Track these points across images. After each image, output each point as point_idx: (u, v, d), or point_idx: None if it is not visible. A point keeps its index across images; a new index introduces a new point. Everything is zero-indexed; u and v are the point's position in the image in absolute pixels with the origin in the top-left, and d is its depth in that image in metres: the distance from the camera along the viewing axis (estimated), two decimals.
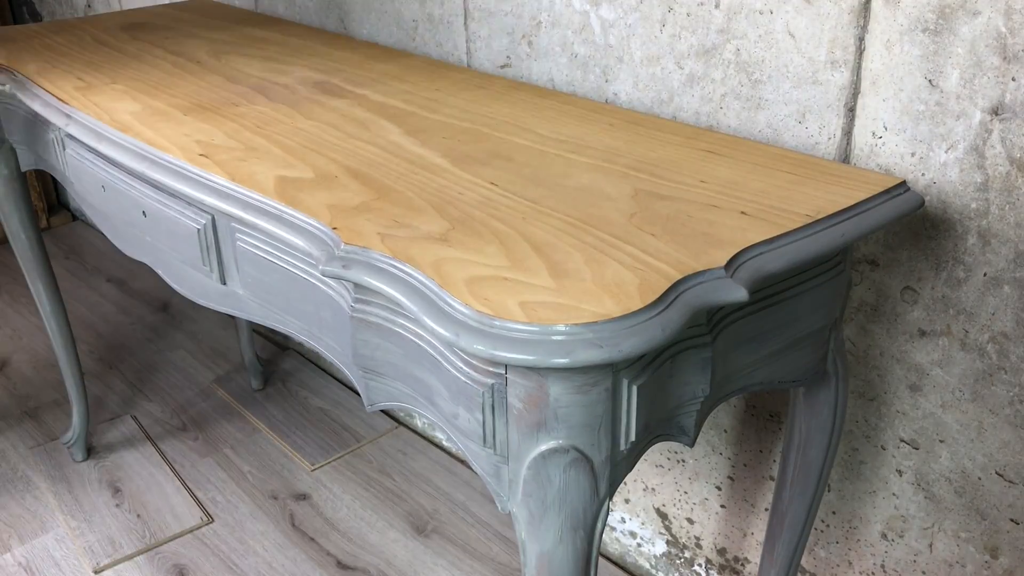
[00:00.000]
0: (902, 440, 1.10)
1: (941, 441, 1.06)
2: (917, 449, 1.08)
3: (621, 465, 0.74)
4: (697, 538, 1.42)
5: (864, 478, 1.15)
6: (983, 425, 1.01)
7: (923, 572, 1.13)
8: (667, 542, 1.48)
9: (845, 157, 1.02)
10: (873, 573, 1.19)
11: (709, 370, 0.77)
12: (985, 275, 0.96)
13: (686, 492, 1.41)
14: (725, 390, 0.85)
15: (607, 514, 0.74)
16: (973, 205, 0.94)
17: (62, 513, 1.72)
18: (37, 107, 1.22)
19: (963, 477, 1.05)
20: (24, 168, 1.46)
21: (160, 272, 1.13)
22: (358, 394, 2.08)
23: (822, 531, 1.23)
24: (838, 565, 1.23)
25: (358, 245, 0.77)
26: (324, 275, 0.77)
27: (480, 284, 0.70)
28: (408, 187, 0.89)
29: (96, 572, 1.58)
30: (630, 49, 1.19)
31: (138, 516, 1.71)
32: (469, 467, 1.85)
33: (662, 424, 0.78)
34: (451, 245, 0.77)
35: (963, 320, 0.99)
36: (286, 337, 2.31)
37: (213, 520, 1.70)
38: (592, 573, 0.77)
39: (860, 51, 0.97)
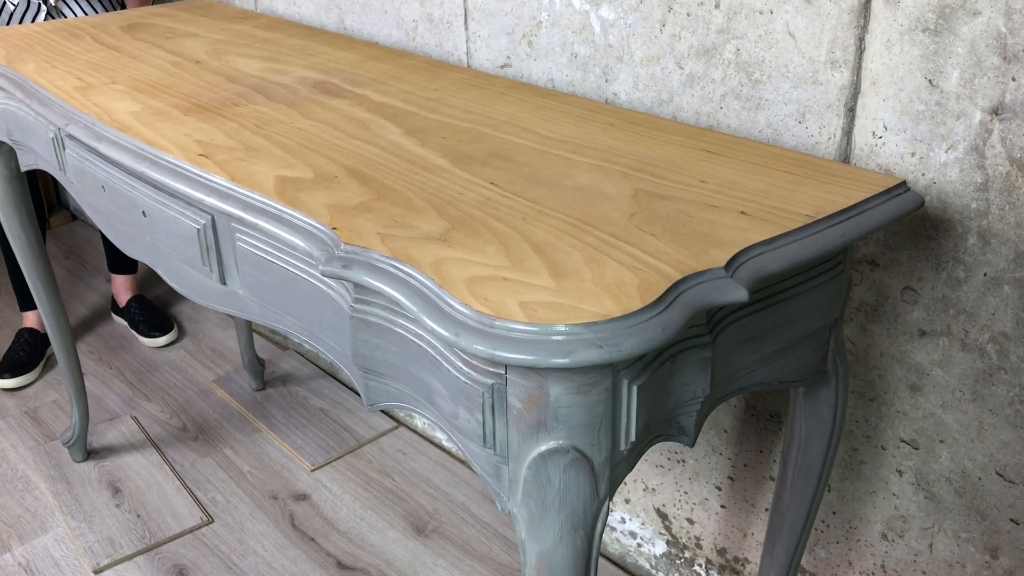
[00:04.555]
0: (902, 440, 1.10)
1: (941, 441, 1.06)
2: (917, 449, 1.08)
3: (621, 465, 0.74)
4: (697, 538, 1.42)
5: (864, 478, 1.15)
6: (983, 425, 1.01)
7: (923, 572, 1.13)
8: (667, 542, 1.48)
9: (845, 157, 1.02)
10: (873, 573, 1.19)
11: (709, 370, 0.77)
12: (985, 275, 0.96)
13: (686, 492, 1.41)
14: (725, 390, 0.85)
15: (607, 514, 0.74)
16: (973, 205, 0.94)
17: (62, 513, 1.72)
18: (37, 107, 1.22)
19: (963, 477, 1.05)
20: (24, 168, 1.46)
21: (160, 272, 1.13)
22: (358, 394, 2.08)
23: (822, 531, 1.23)
24: (838, 565, 1.23)
25: (358, 245, 0.77)
26: (324, 275, 0.77)
27: (480, 284, 0.70)
28: (408, 187, 0.89)
29: (96, 572, 1.58)
30: (630, 49, 1.19)
31: (138, 516, 1.71)
32: (469, 467, 1.85)
33: (662, 424, 0.78)
34: (451, 245, 0.77)
35: (963, 320, 0.99)
36: (286, 337, 2.31)
37: (213, 520, 1.70)
38: (592, 573, 0.76)
39: (860, 51, 0.97)
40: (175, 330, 2.32)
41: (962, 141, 0.92)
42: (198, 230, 0.99)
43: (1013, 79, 0.87)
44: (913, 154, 0.97)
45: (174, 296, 2.53)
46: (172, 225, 1.04)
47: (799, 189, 0.88)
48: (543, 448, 0.70)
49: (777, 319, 0.86)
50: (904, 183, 0.89)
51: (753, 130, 1.09)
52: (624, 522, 1.54)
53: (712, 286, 0.71)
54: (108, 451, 1.90)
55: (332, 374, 2.17)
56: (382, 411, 2.01)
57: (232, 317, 2.30)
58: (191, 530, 1.67)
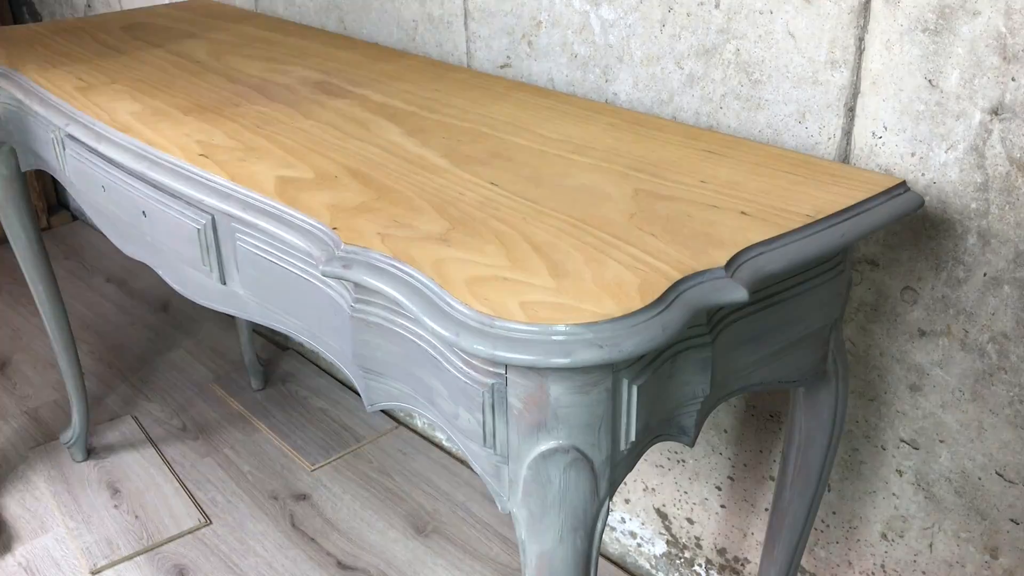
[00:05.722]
0: (902, 440, 1.10)
1: (941, 441, 1.06)
2: (917, 449, 1.08)
3: (621, 465, 0.74)
4: (697, 538, 1.42)
5: (864, 478, 1.15)
6: (983, 425, 1.01)
7: (923, 572, 1.13)
8: (667, 542, 1.48)
9: (845, 157, 1.02)
10: (873, 573, 1.19)
11: (709, 370, 0.77)
12: (985, 275, 0.96)
13: (686, 492, 1.41)
14: (725, 390, 0.85)
15: (607, 514, 0.74)
16: (973, 205, 0.94)
17: (61, 513, 1.72)
18: (37, 107, 1.22)
19: (963, 477, 1.05)
20: (24, 168, 1.46)
21: (160, 272, 1.13)
22: (358, 394, 2.08)
23: (822, 531, 1.23)
24: (838, 565, 1.23)
25: (358, 245, 0.77)
26: (324, 275, 0.77)
27: (480, 284, 0.70)
28: (408, 187, 0.89)
29: (93, 573, 1.58)
30: (630, 49, 1.19)
31: (136, 517, 1.71)
32: (469, 467, 1.85)
33: (662, 424, 0.78)
34: (451, 245, 0.77)
35: (963, 320, 0.99)
36: (286, 337, 2.31)
37: (212, 521, 1.70)
38: (592, 573, 0.76)
39: (860, 51, 0.97)
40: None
41: (962, 141, 0.92)
42: (198, 230, 0.99)
43: (1013, 79, 0.87)
44: (913, 154, 0.97)
45: (174, 295, 2.52)
46: (172, 225, 1.04)
47: (799, 189, 0.88)
48: (543, 448, 0.70)
49: (777, 319, 0.86)
50: (904, 183, 0.89)
51: (753, 130, 1.09)
52: (624, 522, 1.54)
53: (712, 286, 0.71)
54: (108, 451, 1.90)
55: (332, 374, 2.17)
56: (382, 411, 2.01)
57: (232, 317, 2.30)
58: (191, 530, 1.67)
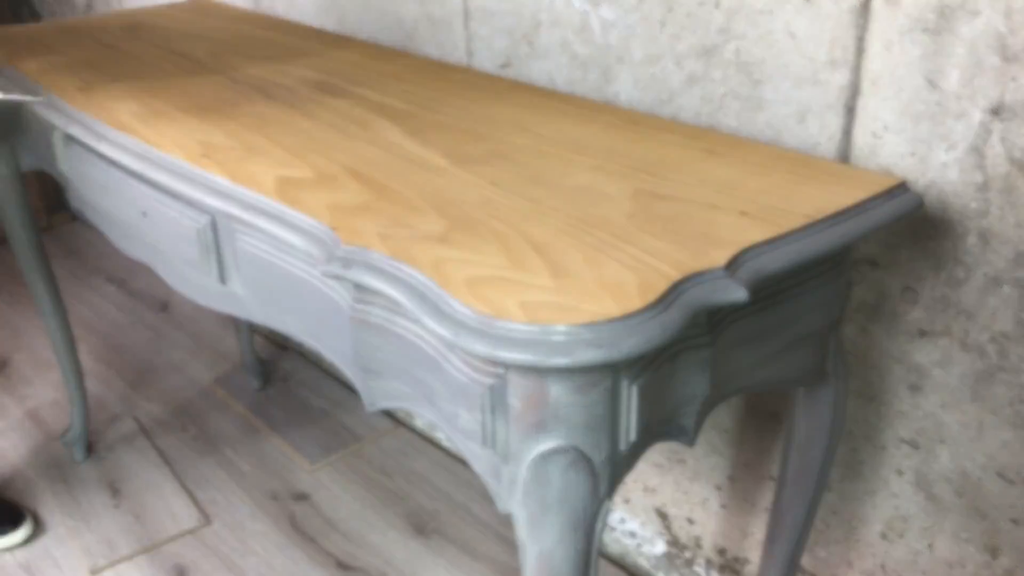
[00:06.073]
0: (902, 440, 1.10)
1: (941, 441, 1.06)
2: (917, 449, 1.08)
3: (621, 465, 0.74)
4: (697, 538, 1.42)
5: (864, 478, 1.15)
6: (983, 425, 1.01)
7: (923, 572, 1.13)
8: (667, 542, 1.48)
9: (845, 157, 1.02)
10: (873, 573, 1.19)
11: (709, 370, 0.77)
12: (985, 275, 0.96)
13: (686, 492, 1.41)
14: (725, 390, 0.85)
15: (607, 514, 0.74)
16: (973, 205, 0.94)
17: (61, 513, 1.72)
18: (37, 107, 1.22)
19: (963, 477, 1.05)
20: (24, 168, 1.46)
21: (160, 272, 1.13)
22: (358, 394, 2.08)
23: (822, 531, 1.23)
24: (838, 565, 1.23)
25: (358, 245, 0.77)
26: (324, 275, 0.77)
27: (480, 284, 0.70)
28: (408, 187, 0.89)
29: (93, 573, 1.58)
30: (630, 49, 1.19)
31: (136, 517, 1.71)
32: (469, 467, 1.85)
33: (662, 424, 0.78)
34: (451, 245, 0.77)
35: (963, 320, 0.99)
36: (286, 337, 2.31)
37: (211, 521, 1.70)
38: (592, 573, 0.76)
39: (860, 51, 0.97)
40: (29, 523, 1.67)
41: (962, 141, 0.92)
42: (198, 230, 0.99)
43: (1013, 79, 0.87)
44: (913, 154, 0.97)
45: (174, 295, 2.52)
46: (172, 225, 1.04)
47: (799, 189, 0.88)
48: (543, 448, 0.70)
49: (777, 319, 0.86)
50: (904, 183, 0.89)
51: (753, 130, 1.09)
52: (624, 522, 1.54)
53: (712, 286, 0.71)
54: (108, 451, 1.90)
55: (332, 374, 2.17)
56: (382, 411, 2.01)
57: (232, 317, 2.30)
58: (189, 531, 1.67)
